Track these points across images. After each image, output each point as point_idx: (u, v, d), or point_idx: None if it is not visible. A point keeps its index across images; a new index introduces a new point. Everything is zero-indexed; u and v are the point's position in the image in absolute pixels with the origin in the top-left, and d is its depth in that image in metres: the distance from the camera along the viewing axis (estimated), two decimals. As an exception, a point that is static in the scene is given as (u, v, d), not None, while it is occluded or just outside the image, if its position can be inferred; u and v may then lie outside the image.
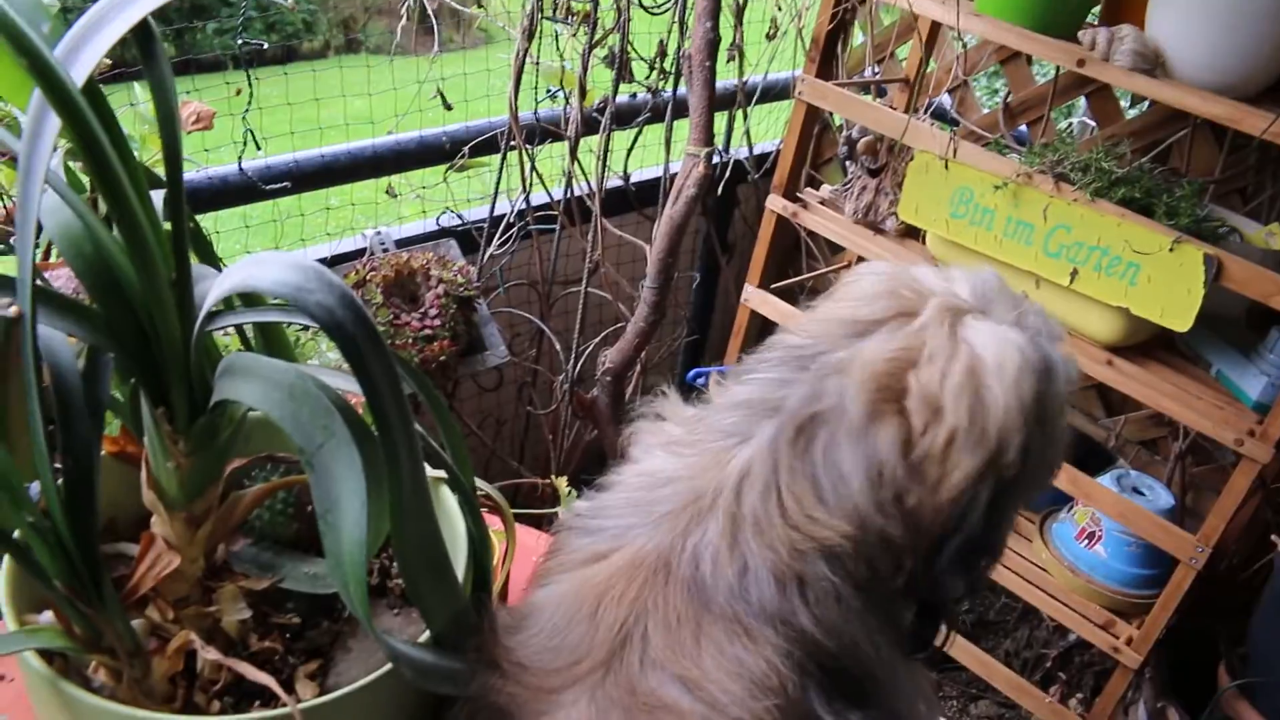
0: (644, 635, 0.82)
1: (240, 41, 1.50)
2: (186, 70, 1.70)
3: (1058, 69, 1.95)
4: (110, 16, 0.80)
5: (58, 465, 0.84)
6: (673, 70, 1.97)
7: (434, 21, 1.83)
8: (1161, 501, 1.75)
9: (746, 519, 0.83)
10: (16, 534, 0.86)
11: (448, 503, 1.03)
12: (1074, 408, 2.20)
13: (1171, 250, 1.43)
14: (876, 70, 2.24)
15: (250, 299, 0.99)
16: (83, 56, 0.78)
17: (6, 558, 0.90)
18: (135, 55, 0.85)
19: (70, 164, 1.06)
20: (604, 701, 0.80)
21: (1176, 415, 1.54)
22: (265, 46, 1.55)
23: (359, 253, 1.85)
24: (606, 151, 1.90)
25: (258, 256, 0.80)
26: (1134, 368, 1.57)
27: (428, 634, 0.87)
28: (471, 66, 2.00)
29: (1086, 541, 1.79)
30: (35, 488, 1.01)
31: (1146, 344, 1.61)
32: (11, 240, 1.36)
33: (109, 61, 1.38)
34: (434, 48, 1.85)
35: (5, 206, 1.20)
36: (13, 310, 0.79)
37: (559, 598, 0.88)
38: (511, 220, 1.93)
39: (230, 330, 1.25)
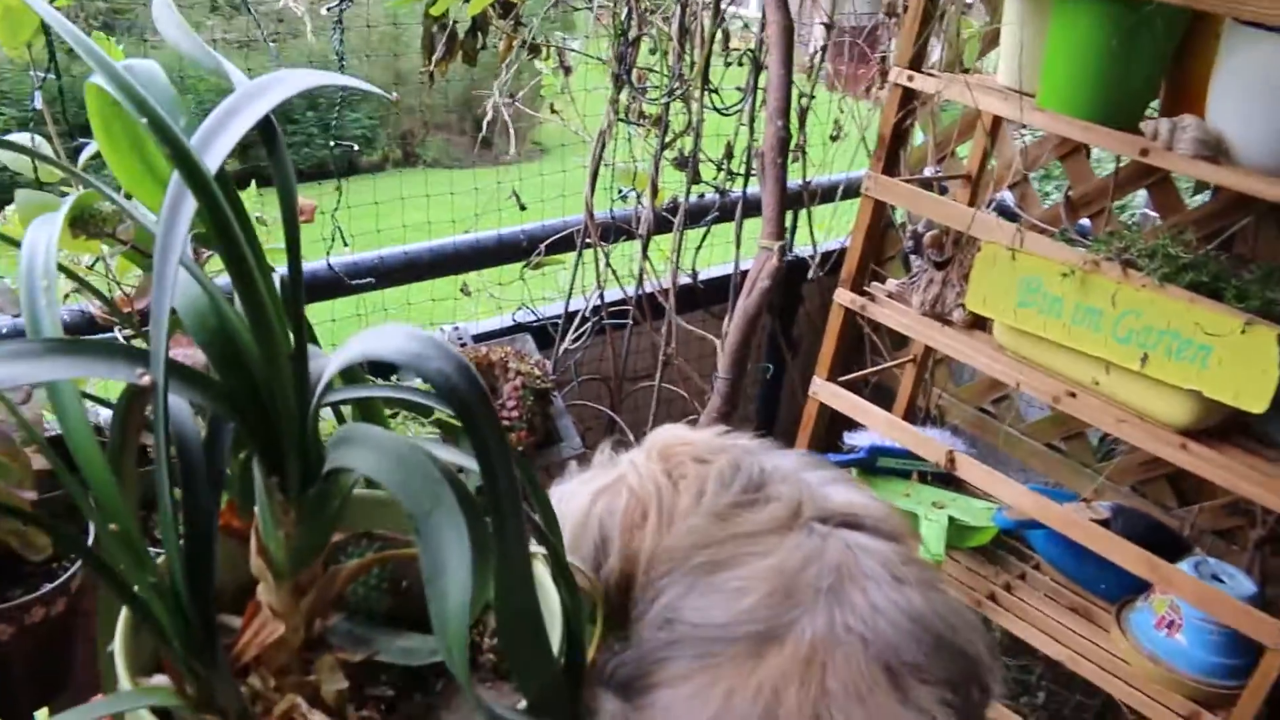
0: None
1: (334, 145, 1.60)
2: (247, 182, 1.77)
3: (1118, 161, 1.99)
4: (237, 111, 0.87)
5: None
6: (741, 170, 2.04)
7: (504, 135, 1.92)
8: (1243, 589, 1.72)
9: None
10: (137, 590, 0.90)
11: (539, 574, 1.06)
12: (1146, 496, 2.18)
13: (1243, 332, 1.44)
14: (938, 168, 2.30)
15: (352, 377, 1.04)
16: (215, 147, 0.84)
17: (122, 622, 0.94)
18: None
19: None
20: None
21: (1255, 497, 1.53)
22: (356, 149, 1.64)
23: (438, 347, 1.90)
24: (680, 248, 1.96)
25: (378, 329, 0.85)
26: (1209, 451, 1.57)
27: (523, 703, 0.89)
28: (543, 170, 2.09)
29: (1166, 630, 1.76)
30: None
31: (1220, 427, 1.61)
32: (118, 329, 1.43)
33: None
34: (494, 159, 1.94)
35: (123, 293, 1.27)
36: (145, 379, 0.85)
37: (704, 699, 0.91)
38: (587, 315, 1.99)
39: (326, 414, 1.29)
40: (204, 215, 0.82)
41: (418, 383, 1.78)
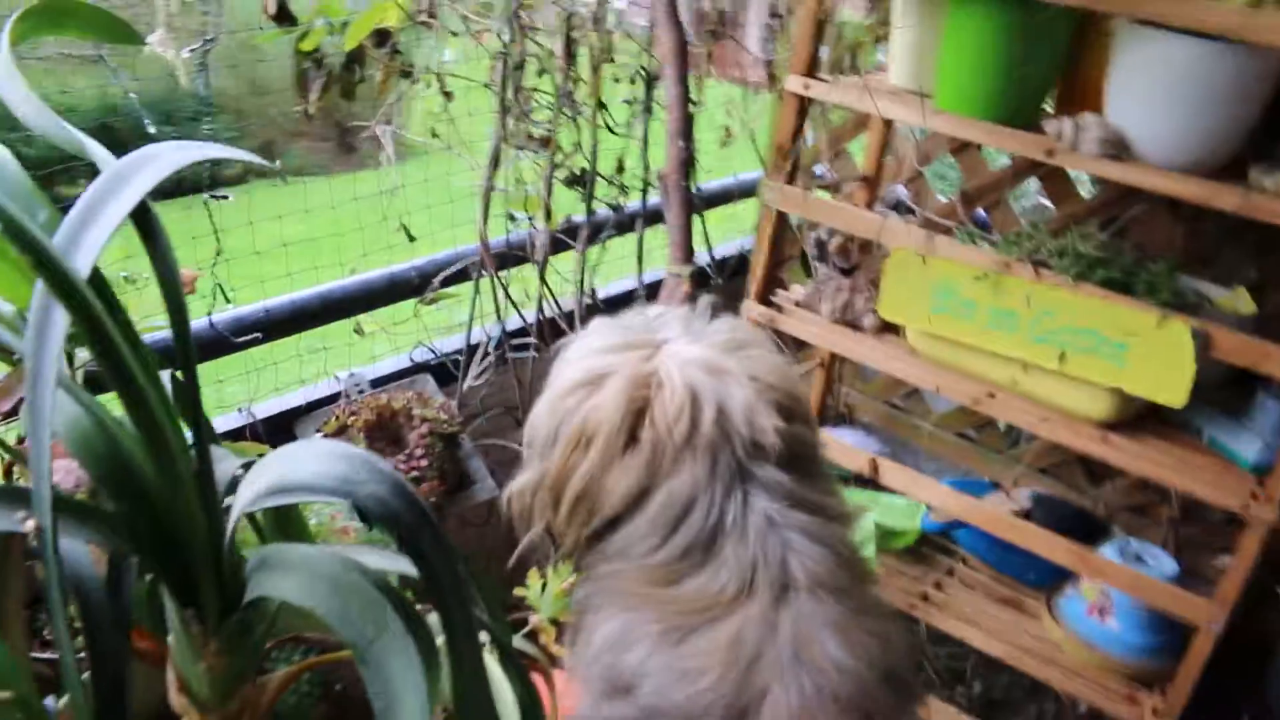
0: None
1: (207, 198, 1.48)
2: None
3: (1012, 156, 1.99)
4: (104, 200, 0.77)
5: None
6: (636, 185, 1.98)
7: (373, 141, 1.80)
8: (1166, 568, 1.74)
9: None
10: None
11: (490, 668, 0.99)
12: (1060, 480, 2.20)
13: (1159, 327, 1.45)
14: (829, 167, 2.27)
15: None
16: (85, 243, 0.74)
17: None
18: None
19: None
20: None
21: (1179, 485, 1.54)
22: (228, 198, 1.53)
23: (334, 397, 1.81)
24: (584, 269, 1.89)
25: (288, 450, 0.76)
26: (1130, 443, 1.57)
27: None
28: (432, 194, 1.99)
29: (1098, 616, 1.78)
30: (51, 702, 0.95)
31: (1138, 417, 1.62)
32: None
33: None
34: (359, 164, 1.83)
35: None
36: (29, 525, 0.75)
37: None
38: (489, 349, 1.91)
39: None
40: (79, 327, 0.72)
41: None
